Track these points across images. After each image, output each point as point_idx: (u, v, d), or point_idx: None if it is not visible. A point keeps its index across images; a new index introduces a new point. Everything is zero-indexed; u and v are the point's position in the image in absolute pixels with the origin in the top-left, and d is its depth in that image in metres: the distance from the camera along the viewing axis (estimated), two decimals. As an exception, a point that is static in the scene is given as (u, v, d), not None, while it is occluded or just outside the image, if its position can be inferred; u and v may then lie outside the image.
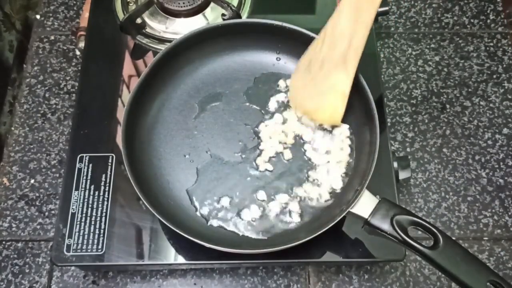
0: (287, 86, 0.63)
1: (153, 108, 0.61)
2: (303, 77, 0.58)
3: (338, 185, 0.57)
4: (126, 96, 0.65)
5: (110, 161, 0.61)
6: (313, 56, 0.57)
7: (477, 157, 0.72)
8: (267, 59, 0.65)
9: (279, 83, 0.63)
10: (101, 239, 0.56)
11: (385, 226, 0.48)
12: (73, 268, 0.64)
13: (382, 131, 0.55)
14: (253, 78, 0.64)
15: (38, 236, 0.67)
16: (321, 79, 0.56)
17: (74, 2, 0.83)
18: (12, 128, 0.74)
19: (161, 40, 0.69)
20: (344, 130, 0.60)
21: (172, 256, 0.57)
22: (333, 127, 0.60)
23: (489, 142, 0.73)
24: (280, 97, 0.62)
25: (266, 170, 0.59)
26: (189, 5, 0.69)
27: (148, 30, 0.69)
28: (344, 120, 0.58)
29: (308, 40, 0.60)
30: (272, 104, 0.62)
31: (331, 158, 0.59)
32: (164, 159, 0.59)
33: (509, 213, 0.68)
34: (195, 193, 0.58)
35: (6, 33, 0.77)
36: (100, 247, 0.56)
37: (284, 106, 0.62)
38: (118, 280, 0.64)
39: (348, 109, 0.61)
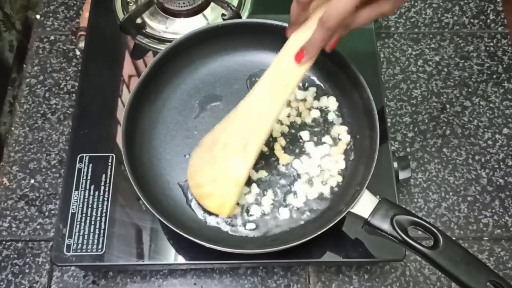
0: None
1: (153, 108, 0.61)
2: (204, 155, 0.55)
3: (337, 184, 0.58)
4: (126, 96, 0.65)
5: (110, 161, 0.61)
6: (218, 136, 0.55)
7: (477, 157, 0.72)
8: (267, 59, 0.64)
9: (279, 83, 0.63)
10: (101, 239, 0.56)
11: (385, 226, 0.49)
12: (73, 268, 0.64)
13: (382, 131, 0.55)
14: (254, 78, 0.64)
15: (38, 236, 0.67)
16: (221, 161, 0.53)
17: (74, 2, 0.83)
18: (12, 128, 0.74)
19: (161, 40, 0.69)
20: (343, 130, 0.60)
21: (172, 256, 0.57)
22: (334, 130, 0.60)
23: (489, 142, 0.73)
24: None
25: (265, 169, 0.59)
26: (189, 5, 0.69)
27: (148, 30, 0.69)
28: (344, 120, 0.58)
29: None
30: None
31: (331, 158, 0.59)
32: (164, 159, 0.59)
33: (509, 213, 0.68)
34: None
35: (6, 33, 0.77)
36: (100, 247, 0.56)
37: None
38: (118, 280, 0.64)
39: (349, 109, 0.61)
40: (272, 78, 0.51)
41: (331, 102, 0.62)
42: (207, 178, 0.54)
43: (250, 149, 0.52)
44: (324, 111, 0.62)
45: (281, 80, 0.51)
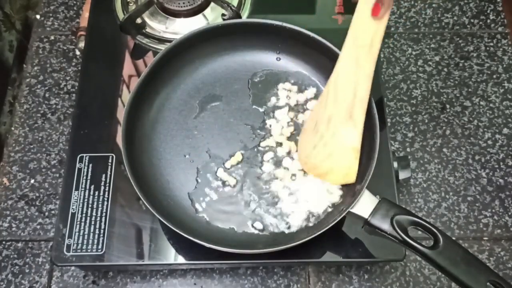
0: (287, 88, 0.63)
1: (153, 108, 0.61)
2: (311, 138, 0.57)
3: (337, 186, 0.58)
4: (126, 96, 0.65)
5: (110, 161, 0.61)
6: (319, 115, 0.56)
7: (477, 157, 0.72)
8: (267, 59, 0.65)
9: (279, 83, 0.63)
10: (101, 239, 0.57)
11: (385, 226, 0.48)
12: (73, 268, 0.64)
13: (382, 131, 0.55)
14: (254, 78, 0.64)
15: (38, 236, 0.67)
16: (330, 137, 0.54)
17: (74, 2, 0.83)
18: (12, 128, 0.74)
19: (161, 40, 0.69)
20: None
21: (172, 256, 0.57)
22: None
23: (489, 142, 0.73)
24: (280, 96, 0.63)
25: (266, 170, 0.59)
26: (189, 5, 0.69)
27: (148, 30, 0.69)
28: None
29: (308, 40, 0.60)
30: (272, 104, 0.62)
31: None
32: (164, 159, 0.59)
33: (509, 213, 0.68)
34: (195, 193, 0.58)
35: (6, 33, 0.77)
36: (100, 247, 0.56)
37: (284, 106, 0.62)
38: (118, 280, 0.64)
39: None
40: (354, 43, 0.51)
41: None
42: (321, 158, 0.55)
43: (357, 115, 0.52)
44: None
45: (364, 41, 0.50)
